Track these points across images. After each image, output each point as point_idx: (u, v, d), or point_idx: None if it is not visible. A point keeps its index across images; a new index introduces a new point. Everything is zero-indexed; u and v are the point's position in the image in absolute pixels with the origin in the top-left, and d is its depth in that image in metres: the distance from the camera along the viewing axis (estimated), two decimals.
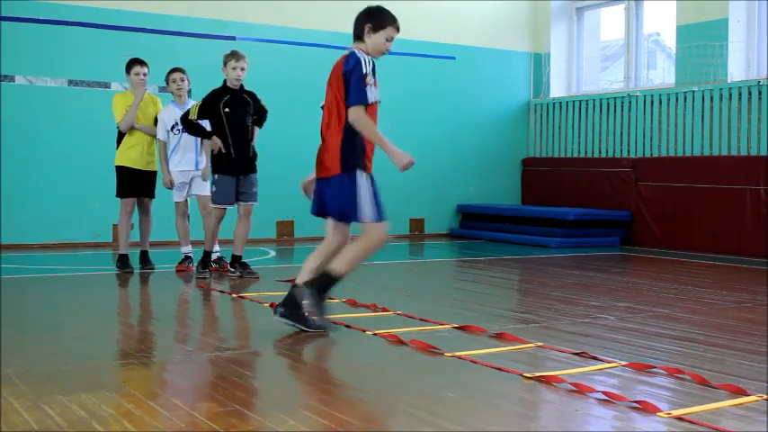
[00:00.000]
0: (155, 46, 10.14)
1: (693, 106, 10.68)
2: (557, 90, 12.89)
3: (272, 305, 5.68)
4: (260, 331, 5.26)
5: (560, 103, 12.64)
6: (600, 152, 12.03)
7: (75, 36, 9.78)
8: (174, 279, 7.25)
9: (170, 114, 7.56)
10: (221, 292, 6.40)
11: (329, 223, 4.93)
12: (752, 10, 10.43)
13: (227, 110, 6.96)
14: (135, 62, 7.67)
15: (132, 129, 7.52)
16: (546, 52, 12.82)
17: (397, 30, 4.89)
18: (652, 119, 11.23)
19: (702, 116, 10.57)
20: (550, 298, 6.35)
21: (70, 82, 9.77)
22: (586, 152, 12.24)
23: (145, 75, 7.63)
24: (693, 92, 10.65)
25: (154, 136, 7.62)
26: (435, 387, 3.61)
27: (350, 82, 4.61)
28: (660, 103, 11.12)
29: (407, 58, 11.59)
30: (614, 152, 11.80)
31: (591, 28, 12.93)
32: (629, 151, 11.56)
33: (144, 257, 7.70)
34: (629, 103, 11.57)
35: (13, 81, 9.50)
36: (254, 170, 7.19)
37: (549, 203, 12.19)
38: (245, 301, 5.97)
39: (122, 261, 7.54)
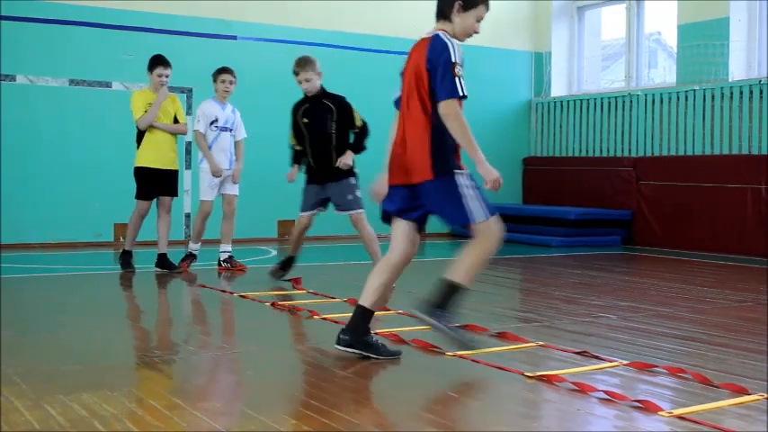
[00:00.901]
0: (156, 45, 10.13)
1: (694, 105, 10.67)
2: (558, 89, 12.89)
3: (273, 304, 5.69)
4: (262, 331, 5.26)
5: (561, 102, 12.64)
6: (601, 151, 12.03)
7: (76, 35, 9.78)
8: (177, 279, 7.24)
9: (211, 109, 7.49)
10: (222, 291, 6.40)
11: (400, 231, 4.17)
12: (753, 9, 10.42)
13: (305, 120, 6.67)
14: (158, 62, 7.53)
15: (152, 128, 7.42)
16: (547, 51, 12.82)
17: (488, 9, 4.14)
18: (653, 118, 11.22)
19: (703, 115, 10.56)
20: (552, 297, 6.34)
21: (71, 81, 9.77)
22: (587, 151, 12.24)
23: (167, 77, 7.53)
24: (694, 91, 10.64)
25: (174, 134, 7.53)
26: (437, 386, 3.61)
27: (437, 71, 3.93)
28: (661, 102, 11.11)
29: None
30: (615, 151, 11.79)
31: (592, 27, 12.93)
32: (630, 150, 11.56)
33: (162, 260, 7.50)
34: (630, 102, 11.56)
35: (15, 80, 9.50)
36: (340, 178, 6.63)
37: (551, 203, 12.19)
38: (247, 301, 5.96)
39: (124, 258, 7.43)
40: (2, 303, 5.58)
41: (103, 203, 9.87)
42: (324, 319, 5.19)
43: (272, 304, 5.71)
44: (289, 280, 6.81)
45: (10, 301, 5.80)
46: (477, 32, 4.16)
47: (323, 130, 6.61)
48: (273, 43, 10.81)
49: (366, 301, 4.11)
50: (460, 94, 3.92)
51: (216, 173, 7.42)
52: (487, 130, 12.56)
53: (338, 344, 4.11)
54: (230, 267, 7.56)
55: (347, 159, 6.58)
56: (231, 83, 7.54)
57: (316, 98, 6.63)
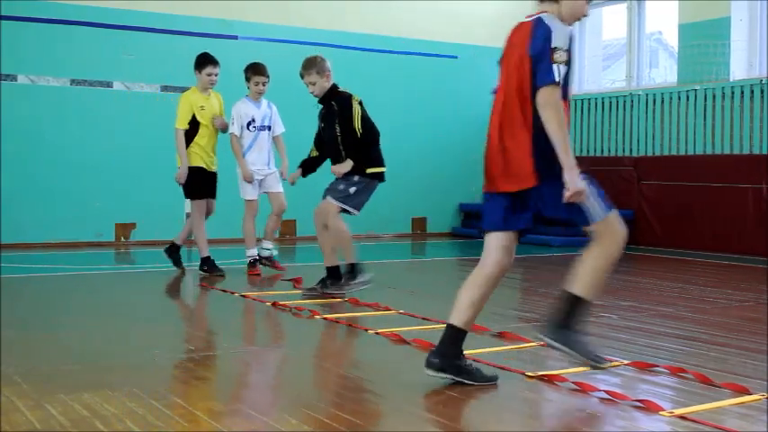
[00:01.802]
0: (157, 45, 10.15)
1: (695, 105, 10.66)
2: None
3: (274, 304, 5.69)
4: (262, 330, 5.27)
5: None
6: (602, 151, 12.02)
7: (77, 35, 9.78)
8: (178, 277, 7.24)
9: (246, 110, 7.27)
10: (223, 291, 6.39)
11: (497, 241, 3.76)
12: (754, 9, 10.42)
13: (321, 124, 6.38)
14: (208, 61, 7.31)
15: (199, 129, 7.24)
16: None
17: None
18: (654, 118, 11.22)
19: (704, 115, 10.56)
20: (553, 297, 6.32)
21: (72, 81, 9.77)
22: (588, 151, 12.23)
23: (216, 76, 7.31)
24: (695, 91, 10.64)
25: (217, 132, 7.35)
26: (437, 386, 3.60)
27: (538, 58, 3.50)
28: (662, 101, 11.10)
29: (409, 57, 11.58)
30: (616, 151, 11.78)
31: (593, 27, 12.91)
32: (631, 150, 11.55)
33: (207, 263, 7.30)
34: (631, 102, 11.55)
35: (16, 80, 9.50)
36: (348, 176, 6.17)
37: None
38: (249, 301, 5.96)
39: (208, 264, 7.24)
40: (3, 303, 5.58)
41: (104, 203, 9.88)
42: (325, 319, 5.19)
43: (273, 304, 5.71)
44: (289, 280, 6.81)
45: (11, 301, 5.80)
46: (586, 15, 3.76)
47: (330, 132, 6.23)
48: (274, 43, 10.81)
49: (457, 319, 3.63)
50: (556, 79, 3.43)
51: (247, 178, 7.21)
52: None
53: (428, 368, 3.63)
54: (270, 266, 7.40)
55: (341, 168, 6.12)
56: (265, 84, 7.29)
57: (324, 100, 6.29)
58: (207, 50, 7.57)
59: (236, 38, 10.47)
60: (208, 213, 7.43)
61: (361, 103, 6.22)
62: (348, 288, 6.07)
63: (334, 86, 6.30)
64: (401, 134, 11.38)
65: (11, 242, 9.28)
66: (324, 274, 6.16)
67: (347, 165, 6.11)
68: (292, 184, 6.71)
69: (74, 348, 4.36)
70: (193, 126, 7.23)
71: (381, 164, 6.23)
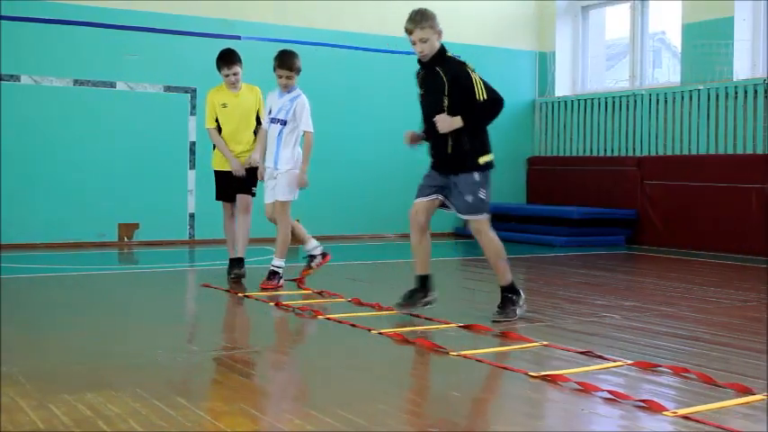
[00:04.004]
0: (159, 45, 10.16)
1: (699, 105, 10.65)
2: (562, 89, 12.87)
3: (277, 304, 5.70)
4: (265, 330, 5.27)
5: (565, 101, 12.62)
6: (605, 151, 12.01)
7: (80, 36, 9.79)
8: (181, 278, 7.24)
9: (270, 99, 6.66)
10: (227, 291, 6.39)
11: None
12: (758, 8, 10.40)
13: (420, 92, 5.33)
14: (223, 63, 7.00)
15: (221, 129, 6.94)
16: (551, 51, 12.80)
17: None
18: (657, 117, 11.21)
19: (708, 115, 10.54)
20: (556, 297, 6.34)
21: (75, 82, 9.78)
22: (591, 151, 12.22)
23: (235, 75, 6.93)
24: (699, 90, 10.63)
25: (248, 125, 6.96)
26: (440, 386, 3.61)
27: None
28: (666, 101, 11.09)
29: (412, 56, 11.55)
30: (620, 151, 11.77)
31: (596, 26, 12.91)
32: (634, 150, 11.54)
33: (235, 262, 6.99)
34: (635, 101, 11.54)
35: (19, 81, 9.52)
36: (457, 171, 5.18)
37: (555, 202, 12.17)
38: (251, 301, 5.97)
39: (237, 265, 6.96)
40: (6, 303, 5.59)
41: (108, 203, 9.88)
42: (328, 319, 5.19)
43: (276, 304, 5.71)
44: (293, 279, 6.81)
45: (14, 300, 5.81)
46: None
47: (435, 103, 5.13)
48: (276, 43, 10.81)
49: None
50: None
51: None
52: (491, 130, 12.52)
53: None
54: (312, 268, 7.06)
55: (450, 122, 5.06)
56: (289, 78, 6.52)
57: (432, 63, 5.19)
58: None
59: (238, 38, 10.47)
60: (243, 211, 6.96)
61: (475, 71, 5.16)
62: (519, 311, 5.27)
63: (443, 48, 5.24)
64: (401, 133, 11.36)
65: (13, 242, 9.30)
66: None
67: (456, 121, 5.04)
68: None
69: (77, 348, 4.37)
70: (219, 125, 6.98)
71: (491, 149, 5.26)
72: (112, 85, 9.96)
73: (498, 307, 5.26)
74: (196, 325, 5.45)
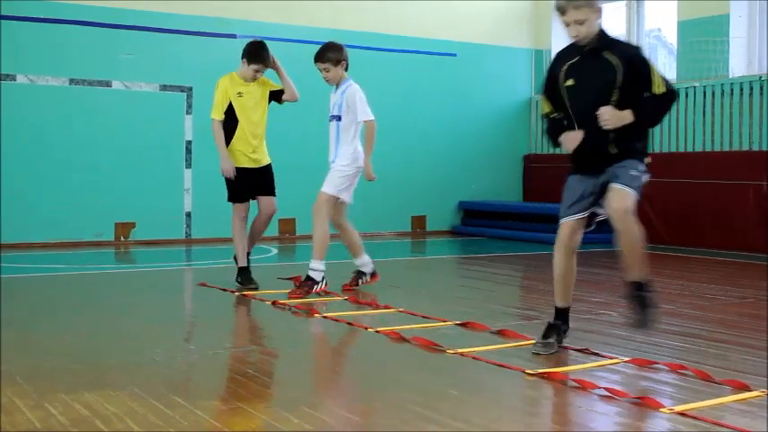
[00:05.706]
0: (155, 44, 10.15)
1: (695, 102, 10.66)
2: None
3: (273, 303, 5.70)
4: (262, 329, 5.27)
5: None
6: None
7: (76, 35, 9.78)
8: (177, 277, 7.23)
9: (331, 98, 6.40)
10: (224, 290, 6.39)
11: None
12: (753, 5, 10.41)
13: (569, 82, 4.37)
14: (258, 59, 6.42)
15: (237, 122, 6.40)
16: (547, 49, 12.80)
17: None
18: None
19: (704, 112, 10.55)
20: (552, 294, 6.32)
21: (71, 81, 9.77)
22: None
23: (261, 73, 6.46)
24: (695, 88, 10.64)
25: (261, 120, 6.49)
26: (438, 384, 3.61)
27: None
28: None
29: (408, 54, 11.57)
30: None
31: None
32: None
33: (247, 272, 6.51)
34: None
35: (15, 80, 9.50)
36: (621, 159, 4.32)
37: (551, 200, 12.16)
38: (249, 300, 5.96)
39: (243, 276, 6.46)
40: (4, 303, 5.58)
41: (104, 203, 9.88)
42: (324, 317, 5.19)
43: (273, 303, 5.71)
44: (290, 278, 6.81)
45: (12, 300, 5.80)
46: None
47: (589, 96, 4.28)
48: (273, 42, 10.80)
49: None
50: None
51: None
52: (488, 128, 12.57)
53: None
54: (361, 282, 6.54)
55: (620, 117, 4.19)
56: (327, 71, 6.22)
57: (592, 50, 4.29)
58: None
59: (234, 36, 10.46)
60: (267, 214, 6.57)
61: None
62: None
63: (603, 31, 4.30)
64: (400, 132, 11.38)
65: (11, 242, 9.28)
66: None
67: (626, 115, 4.18)
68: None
69: (74, 348, 4.36)
70: (231, 117, 6.40)
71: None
72: (108, 84, 9.94)
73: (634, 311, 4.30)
74: (193, 324, 5.45)
